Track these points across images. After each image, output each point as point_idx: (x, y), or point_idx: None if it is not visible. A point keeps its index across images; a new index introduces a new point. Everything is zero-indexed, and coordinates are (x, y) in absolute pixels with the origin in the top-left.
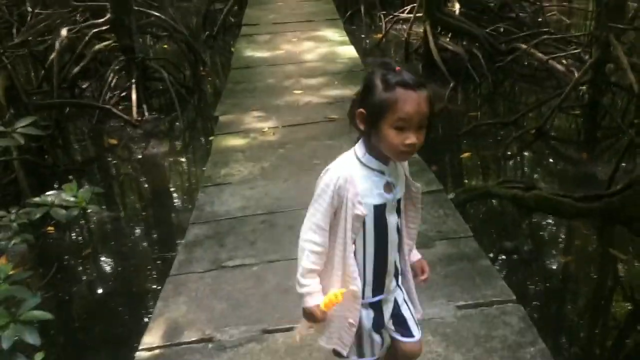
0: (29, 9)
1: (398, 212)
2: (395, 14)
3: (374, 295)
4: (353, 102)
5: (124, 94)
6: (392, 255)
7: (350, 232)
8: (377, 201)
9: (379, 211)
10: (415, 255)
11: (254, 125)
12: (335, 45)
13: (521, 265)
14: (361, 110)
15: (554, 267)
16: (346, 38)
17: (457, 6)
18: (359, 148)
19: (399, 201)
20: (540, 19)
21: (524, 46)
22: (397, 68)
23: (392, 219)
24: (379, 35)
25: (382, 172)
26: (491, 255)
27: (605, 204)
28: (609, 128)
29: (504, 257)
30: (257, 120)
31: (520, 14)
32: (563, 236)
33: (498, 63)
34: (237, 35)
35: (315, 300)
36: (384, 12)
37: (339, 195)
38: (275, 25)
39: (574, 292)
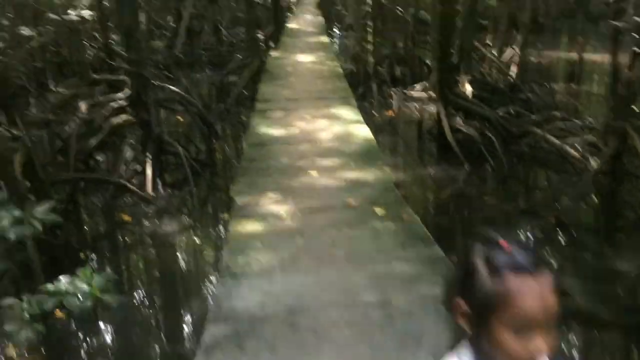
0: (49, 81)
1: None
2: (406, 91)
3: None
4: (447, 285)
5: (139, 168)
6: None
7: None
8: None
9: None
10: None
11: (270, 208)
12: (349, 124)
13: None
14: (462, 302)
15: None
16: (360, 117)
17: (467, 87)
18: (465, 355)
19: None
20: (550, 101)
21: (537, 130)
22: (505, 244)
23: None
24: (390, 112)
25: None
26: None
27: None
28: (629, 219)
29: None
30: (274, 203)
31: (530, 96)
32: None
33: (512, 146)
34: (251, 108)
35: None
36: (394, 90)
37: None
38: (289, 102)
39: None
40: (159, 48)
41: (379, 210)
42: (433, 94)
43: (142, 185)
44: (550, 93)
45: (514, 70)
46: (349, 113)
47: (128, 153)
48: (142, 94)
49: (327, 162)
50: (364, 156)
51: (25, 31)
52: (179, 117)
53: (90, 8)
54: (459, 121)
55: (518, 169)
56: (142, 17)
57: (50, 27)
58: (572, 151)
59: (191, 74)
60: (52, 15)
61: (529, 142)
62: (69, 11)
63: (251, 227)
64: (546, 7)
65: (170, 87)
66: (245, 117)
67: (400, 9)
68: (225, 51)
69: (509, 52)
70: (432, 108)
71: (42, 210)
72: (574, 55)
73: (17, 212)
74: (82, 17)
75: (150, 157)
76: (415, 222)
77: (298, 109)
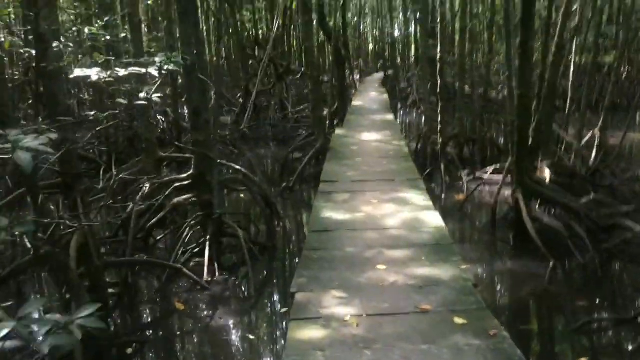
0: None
1: None
2: (478, 174)
3: None
4: None
5: (197, 250)
6: None
7: None
8: None
9: None
10: None
11: (334, 310)
12: (418, 210)
13: None
14: None
15: None
16: (430, 203)
17: (546, 172)
18: None
19: None
20: (635, 188)
21: (628, 222)
22: None
23: None
24: (461, 197)
25: None
26: None
27: None
28: None
29: None
30: (338, 303)
31: (614, 181)
32: None
33: (602, 242)
34: (315, 187)
35: None
36: (465, 171)
37: None
38: (354, 183)
39: None
40: (227, 123)
41: (458, 320)
42: (508, 179)
43: (199, 268)
44: (634, 179)
45: (593, 154)
46: (417, 197)
47: (187, 234)
48: (206, 174)
49: (396, 253)
50: (436, 248)
51: (92, 115)
52: (241, 196)
53: (163, 84)
54: (539, 211)
55: (612, 266)
56: (212, 92)
57: (121, 109)
58: None
59: (256, 149)
60: (121, 101)
61: (618, 235)
62: (140, 94)
63: (312, 332)
64: (625, 88)
65: (234, 165)
66: (308, 196)
67: (467, 87)
68: (291, 127)
69: (588, 135)
70: (506, 193)
71: (84, 313)
72: None
73: (57, 317)
74: (151, 100)
75: (209, 239)
76: (504, 340)
77: (364, 191)
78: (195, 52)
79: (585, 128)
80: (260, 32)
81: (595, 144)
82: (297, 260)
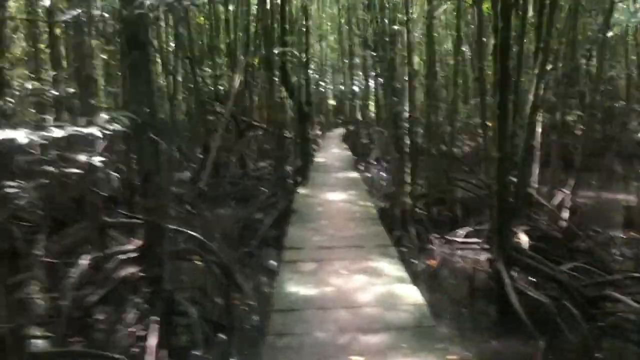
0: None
1: None
2: (450, 237)
3: None
4: None
5: (142, 332)
6: None
7: None
8: None
9: None
10: None
11: None
12: (392, 282)
13: None
14: None
15: None
16: (405, 274)
17: (522, 237)
18: None
19: None
20: (615, 252)
21: (617, 295)
22: None
23: None
24: (432, 262)
25: None
26: None
27: None
28: None
29: None
30: None
31: (590, 246)
32: None
33: (593, 317)
34: (278, 251)
35: None
36: (436, 235)
37: None
38: (322, 250)
39: None
40: (185, 180)
41: None
42: (486, 245)
43: (143, 355)
44: (609, 242)
45: (565, 215)
46: (390, 267)
47: (131, 314)
48: (156, 246)
49: (373, 339)
50: (417, 332)
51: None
52: (198, 263)
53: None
54: (521, 283)
55: (602, 344)
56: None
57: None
58: None
59: (215, 209)
60: (48, 168)
61: (609, 309)
62: (79, 156)
63: None
64: (596, 147)
65: (189, 231)
66: (272, 262)
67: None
68: (251, 185)
69: (559, 195)
70: (481, 257)
71: None
72: (631, 197)
73: None
74: (92, 164)
75: (157, 319)
76: None
77: (332, 259)
78: (148, 110)
79: (556, 188)
80: (222, 87)
81: (567, 205)
82: (259, 343)
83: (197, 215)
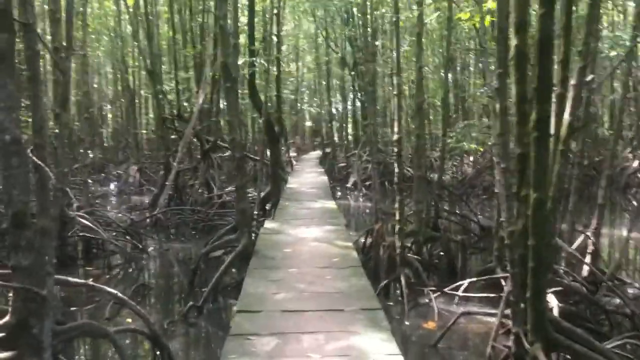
0: None
1: None
2: (449, 291)
3: None
4: None
5: None
6: None
7: None
8: None
9: None
10: None
11: None
12: None
13: None
14: None
15: None
16: (402, 357)
17: (552, 300)
18: None
19: None
20: None
21: None
22: None
23: None
24: (430, 324)
25: None
26: None
27: None
28: None
29: None
30: None
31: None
32: None
33: None
34: (230, 308)
35: None
36: (432, 289)
37: None
38: (286, 315)
39: None
40: (143, 205)
41: None
42: (507, 320)
43: None
44: None
45: (588, 260)
46: (380, 345)
47: None
48: (32, 324)
49: None
50: None
51: None
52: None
53: None
54: None
55: None
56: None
57: None
58: None
59: (168, 242)
60: None
61: None
62: None
63: None
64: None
65: (110, 290)
66: (224, 320)
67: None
68: (215, 213)
69: (579, 237)
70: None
71: None
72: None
73: None
74: None
75: None
76: None
77: (299, 332)
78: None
79: (574, 229)
80: (187, 103)
81: (590, 250)
82: None
83: (143, 251)
